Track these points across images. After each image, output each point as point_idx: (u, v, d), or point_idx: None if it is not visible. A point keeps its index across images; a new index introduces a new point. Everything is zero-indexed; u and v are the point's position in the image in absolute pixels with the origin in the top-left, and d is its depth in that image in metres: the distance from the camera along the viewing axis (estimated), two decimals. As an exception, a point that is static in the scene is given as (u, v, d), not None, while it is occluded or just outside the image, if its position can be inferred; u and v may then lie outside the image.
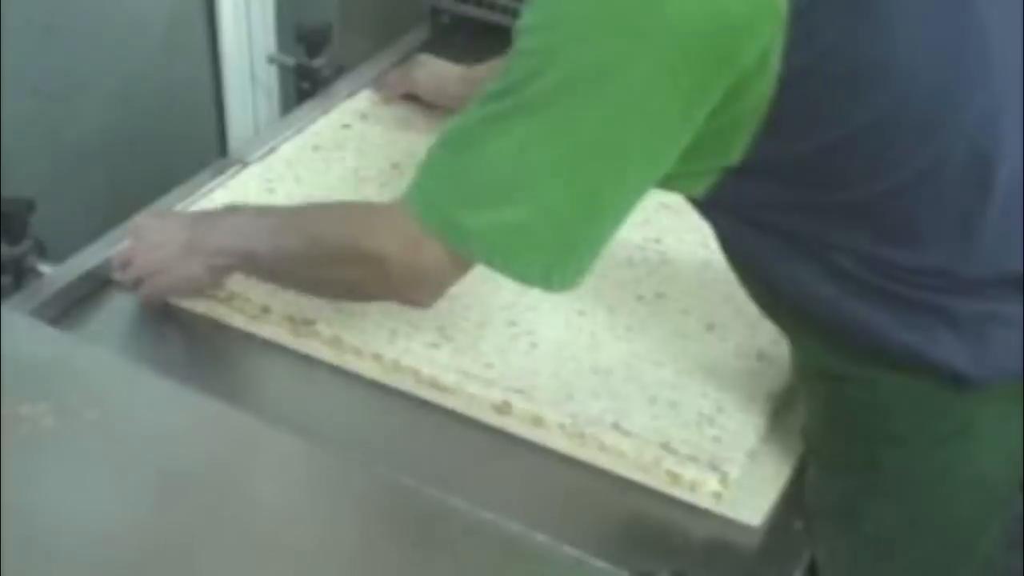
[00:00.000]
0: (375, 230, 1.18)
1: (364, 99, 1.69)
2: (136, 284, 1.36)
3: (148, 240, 1.35)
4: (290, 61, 1.74)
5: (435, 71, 1.67)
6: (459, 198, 1.10)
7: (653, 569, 0.97)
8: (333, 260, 1.22)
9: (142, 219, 1.39)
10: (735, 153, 1.06)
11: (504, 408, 1.26)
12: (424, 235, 1.12)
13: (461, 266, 1.15)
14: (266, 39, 1.79)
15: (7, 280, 1.39)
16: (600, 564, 1.02)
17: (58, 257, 1.43)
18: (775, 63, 1.00)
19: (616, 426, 1.24)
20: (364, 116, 1.66)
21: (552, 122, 1.04)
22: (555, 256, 1.10)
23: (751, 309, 1.36)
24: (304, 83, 1.70)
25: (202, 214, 1.42)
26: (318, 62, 1.70)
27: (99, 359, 1.18)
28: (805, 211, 1.09)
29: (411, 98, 1.67)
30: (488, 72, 1.46)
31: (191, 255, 1.31)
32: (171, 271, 1.33)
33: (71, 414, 1.07)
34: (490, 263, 1.12)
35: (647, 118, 1.03)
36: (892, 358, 1.10)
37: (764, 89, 1.01)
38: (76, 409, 1.07)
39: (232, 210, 1.37)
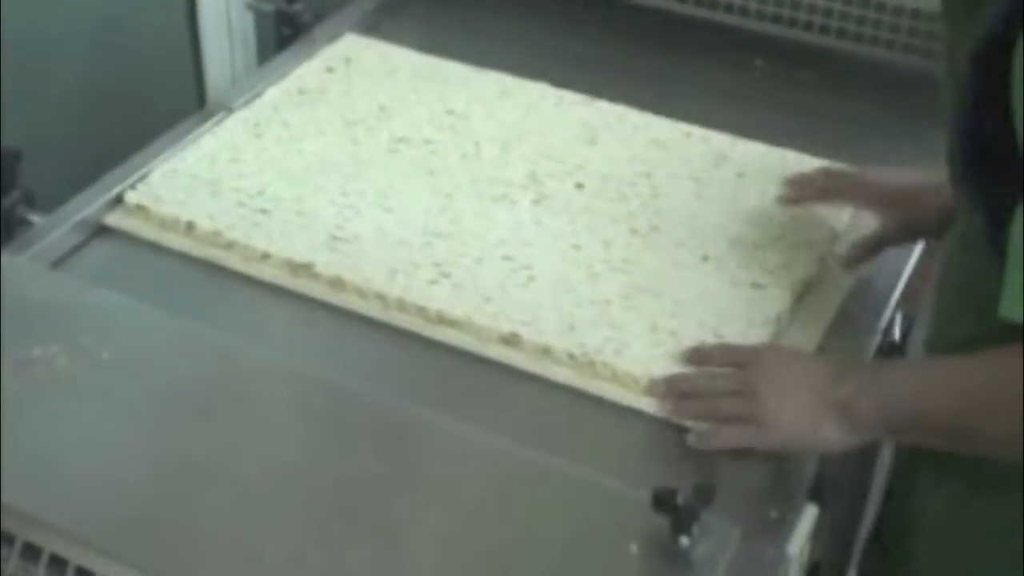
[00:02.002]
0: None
1: (347, 43, 1.69)
2: (724, 419, 1.15)
3: (773, 377, 1.15)
4: (268, 7, 1.73)
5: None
6: None
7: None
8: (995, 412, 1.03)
9: (765, 350, 1.21)
10: None
11: (512, 340, 1.26)
12: None
13: None
14: (243, -15, 1.78)
15: (-3, 230, 1.38)
16: (618, 485, 1.04)
17: (44, 207, 1.42)
18: None
19: (619, 354, 1.25)
20: (348, 60, 1.65)
21: None
22: None
23: (743, 241, 1.39)
24: (285, 29, 1.69)
25: (837, 366, 1.16)
26: (297, 7, 1.69)
27: (106, 300, 1.18)
28: None
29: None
30: None
31: (826, 412, 1.10)
32: (798, 427, 1.12)
33: (84, 354, 1.07)
34: None
35: None
36: None
37: None
38: (89, 349, 1.08)
39: (870, 369, 1.18)
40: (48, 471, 1.00)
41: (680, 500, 0.95)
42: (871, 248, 1.37)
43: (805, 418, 1.11)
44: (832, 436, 1.10)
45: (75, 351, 1.07)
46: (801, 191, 1.42)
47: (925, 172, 1.33)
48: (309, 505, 1.01)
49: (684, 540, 0.96)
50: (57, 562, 0.96)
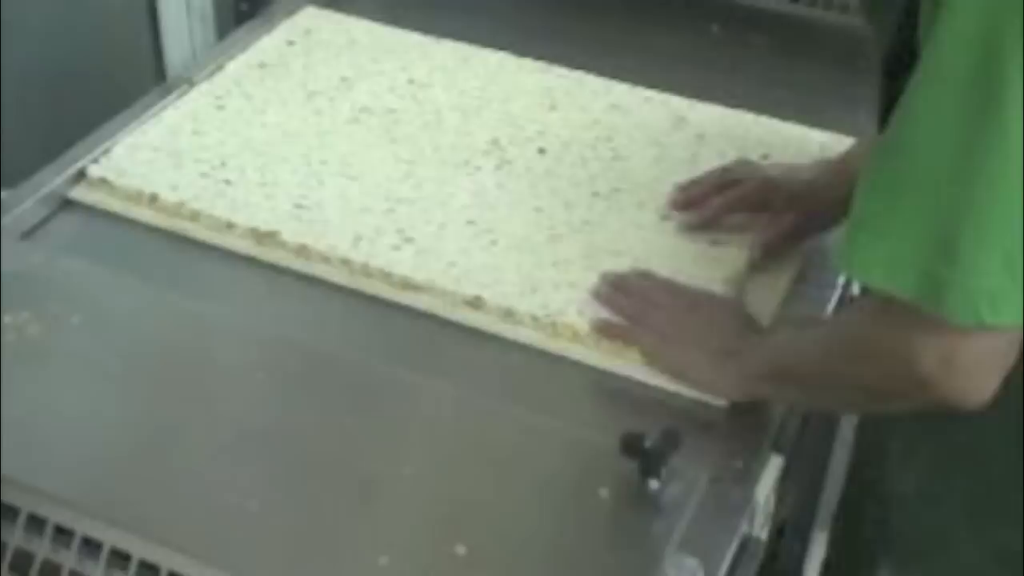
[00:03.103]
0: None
1: (306, 16, 1.70)
2: (638, 324, 1.24)
3: (695, 308, 1.25)
4: (227, -19, 1.74)
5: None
6: None
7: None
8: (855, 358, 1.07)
9: (690, 287, 1.29)
10: None
11: (476, 303, 1.28)
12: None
13: None
14: (199, -39, 1.78)
15: (-39, 206, 1.38)
16: (584, 432, 1.06)
17: (6, 182, 1.42)
18: None
19: (581, 315, 1.27)
20: (308, 32, 1.66)
21: None
22: None
23: (702, 200, 1.41)
24: (243, 4, 1.70)
25: (753, 326, 1.25)
26: (255, -19, 1.71)
27: (74, 268, 1.19)
28: None
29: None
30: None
31: (728, 360, 1.18)
32: (696, 359, 1.20)
33: (55, 321, 1.08)
34: None
35: None
36: None
37: None
38: (59, 316, 1.09)
39: (770, 331, 1.24)
40: (24, 435, 1.01)
41: (648, 444, 0.97)
42: (778, 247, 1.37)
43: (697, 352, 1.21)
44: (720, 381, 1.19)
45: (46, 318, 1.08)
46: (700, 197, 1.40)
47: (818, 165, 1.38)
48: (284, 461, 1.03)
49: (653, 483, 0.98)
50: (35, 521, 0.97)
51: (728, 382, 1.18)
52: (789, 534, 1.09)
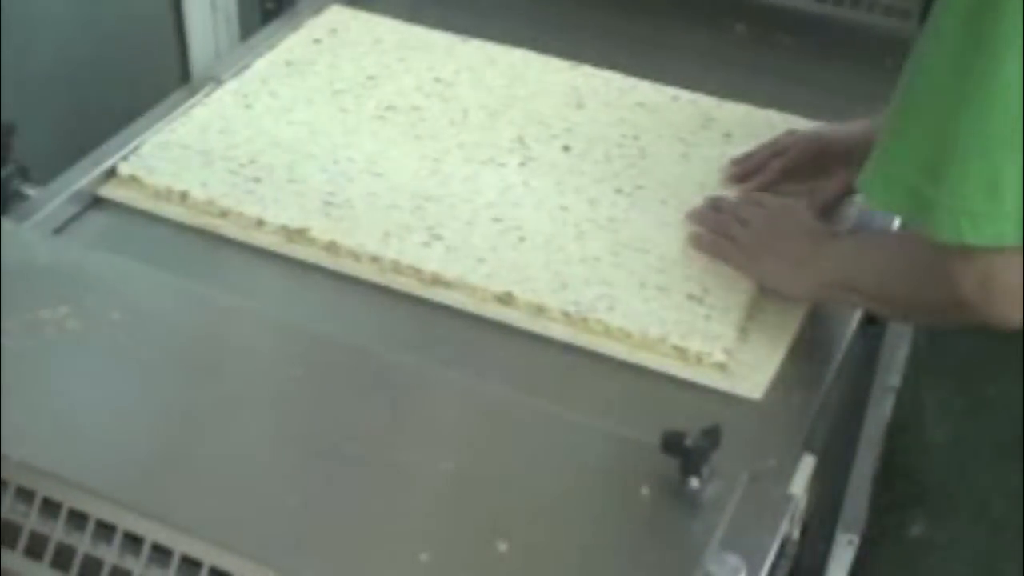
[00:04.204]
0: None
1: (332, 15, 1.70)
2: (731, 241, 1.33)
3: (775, 221, 1.33)
4: (253, -20, 1.74)
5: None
6: None
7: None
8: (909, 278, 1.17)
9: (774, 200, 1.38)
10: None
11: (507, 299, 1.28)
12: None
13: None
14: (225, -39, 1.79)
15: (-8, 203, 1.39)
16: (622, 429, 1.06)
17: (36, 180, 1.42)
18: None
19: (611, 310, 1.27)
20: (334, 31, 1.67)
21: None
22: None
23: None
24: (268, 3, 1.70)
25: (822, 232, 1.33)
26: (282, -20, 1.71)
27: (109, 263, 1.19)
28: None
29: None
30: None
31: (801, 269, 1.28)
32: (774, 268, 1.30)
33: (95, 316, 1.09)
34: None
35: None
36: None
37: None
38: (98, 311, 1.09)
39: (837, 238, 1.32)
40: (66, 429, 1.02)
41: (689, 442, 0.97)
42: (836, 206, 1.41)
43: (776, 260, 1.30)
44: (796, 288, 1.29)
45: (85, 313, 1.09)
46: (757, 166, 1.45)
47: (869, 120, 1.39)
48: (322, 456, 1.03)
49: (694, 481, 0.98)
50: (76, 517, 0.98)
51: (803, 289, 1.29)
52: (813, 535, 1.10)
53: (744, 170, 1.45)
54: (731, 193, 1.43)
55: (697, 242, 1.36)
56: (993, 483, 1.23)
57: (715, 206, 1.39)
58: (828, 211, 1.40)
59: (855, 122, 1.42)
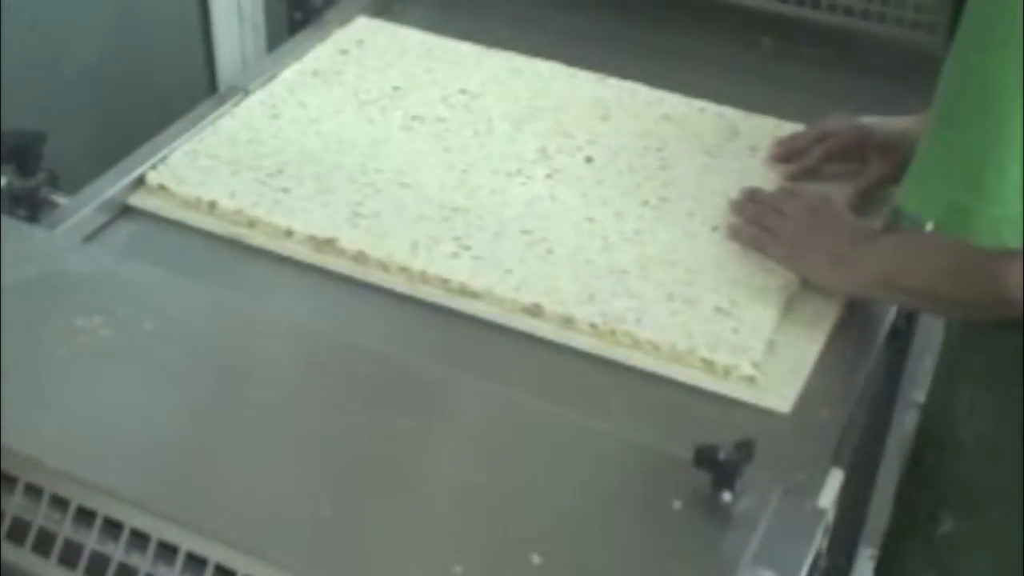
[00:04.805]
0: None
1: (359, 26, 1.71)
2: (770, 233, 1.36)
3: (813, 215, 1.36)
4: (282, -9, 1.75)
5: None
6: None
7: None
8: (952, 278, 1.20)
9: (810, 192, 1.41)
10: None
11: (535, 310, 1.29)
12: None
13: None
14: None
15: (22, 212, 1.39)
16: (654, 441, 1.06)
17: (65, 189, 1.43)
18: None
19: (639, 323, 1.28)
20: (361, 42, 1.67)
21: None
22: None
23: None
24: (296, 13, 1.71)
25: (860, 230, 1.36)
26: (310, -9, 1.72)
27: (144, 273, 1.20)
28: None
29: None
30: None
31: (840, 265, 1.31)
32: (813, 262, 1.33)
33: (128, 325, 1.09)
34: None
35: None
36: None
37: None
38: (131, 320, 1.10)
39: (875, 236, 1.35)
40: (101, 436, 1.02)
41: (722, 456, 0.98)
42: (873, 194, 1.46)
43: (817, 255, 1.33)
44: (837, 284, 1.32)
45: (118, 322, 1.09)
46: (800, 147, 1.50)
47: (911, 117, 1.43)
48: (356, 467, 1.03)
49: (727, 495, 0.98)
50: (111, 526, 0.98)
51: (844, 285, 1.31)
52: (835, 549, 1.10)
53: (787, 151, 1.49)
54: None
55: (736, 233, 1.39)
56: (1023, 482, 1.24)
57: (753, 197, 1.42)
58: (867, 199, 1.44)
59: (896, 118, 1.46)
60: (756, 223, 1.38)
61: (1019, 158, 1.02)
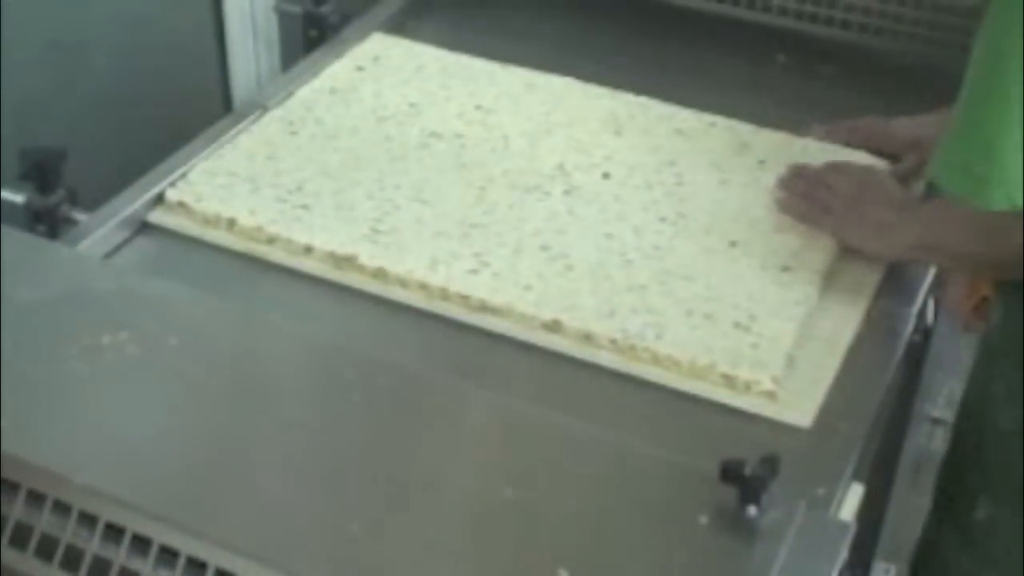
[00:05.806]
0: None
1: (375, 43, 1.72)
2: (814, 201, 1.44)
3: (862, 189, 1.43)
4: (296, 9, 1.75)
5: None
6: None
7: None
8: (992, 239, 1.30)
9: (856, 167, 1.49)
10: None
11: (554, 326, 1.29)
12: None
13: None
14: (269, -11, 1.80)
15: (42, 229, 1.40)
16: (678, 456, 1.07)
17: (83, 206, 1.44)
18: None
19: (660, 338, 1.28)
20: (377, 59, 1.68)
21: None
22: None
23: (767, 226, 1.43)
24: (312, 31, 1.72)
25: (904, 199, 1.44)
26: (325, 8, 1.72)
27: (168, 290, 1.21)
28: None
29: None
30: None
31: (886, 232, 1.39)
32: (860, 232, 1.40)
33: (153, 342, 1.10)
34: None
35: None
36: None
37: None
38: (157, 337, 1.11)
39: (917, 203, 1.44)
40: (129, 453, 1.03)
41: (748, 471, 0.98)
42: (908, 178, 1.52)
43: (865, 225, 1.40)
44: (883, 251, 1.40)
45: (144, 338, 1.10)
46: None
47: (940, 115, 1.44)
48: (383, 483, 1.03)
49: (752, 510, 0.99)
50: (140, 542, 0.98)
51: (889, 251, 1.39)
52: (852, 565, 1.10)
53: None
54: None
55: (786, 207, 1.45)
56: None
57: (801, 173, 1.48)
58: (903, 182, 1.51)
59: (926, 117, 1.53)
60: (807, 197, 1.44)
61: None
